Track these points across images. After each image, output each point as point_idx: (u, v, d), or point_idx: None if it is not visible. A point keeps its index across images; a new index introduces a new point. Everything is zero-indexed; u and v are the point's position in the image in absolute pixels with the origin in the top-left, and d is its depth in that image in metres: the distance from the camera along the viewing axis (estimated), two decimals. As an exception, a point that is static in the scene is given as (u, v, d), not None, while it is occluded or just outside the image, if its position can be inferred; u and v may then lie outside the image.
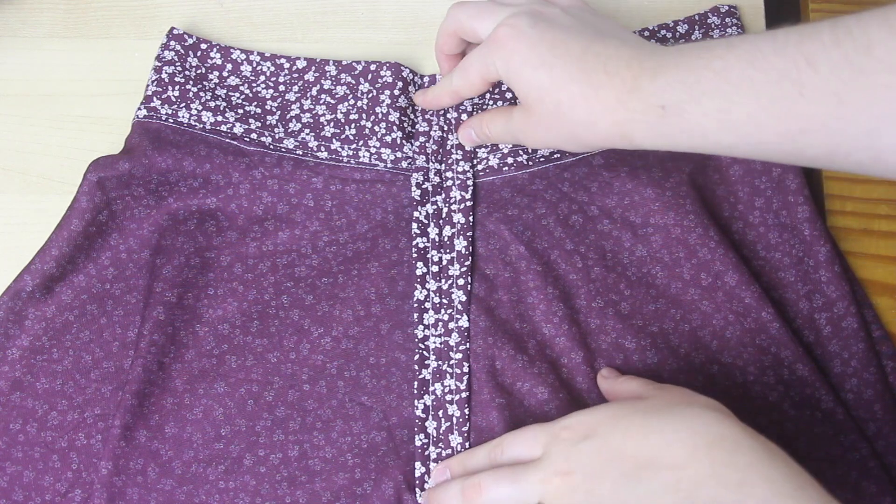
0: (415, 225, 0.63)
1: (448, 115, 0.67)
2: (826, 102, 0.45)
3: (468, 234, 0.63)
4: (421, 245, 0.63)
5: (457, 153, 0.65)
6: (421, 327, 0.61)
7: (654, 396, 0.53)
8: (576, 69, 0.53)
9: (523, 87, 0.55)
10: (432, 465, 0.59)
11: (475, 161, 0.65)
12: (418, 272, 0.62)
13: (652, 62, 0.51)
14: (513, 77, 0.56)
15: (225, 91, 0.68)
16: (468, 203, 0.64)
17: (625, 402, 0.53)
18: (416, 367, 0.61)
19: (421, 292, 0.62)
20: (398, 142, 0.65)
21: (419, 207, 0.64)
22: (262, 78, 0.68)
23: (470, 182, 0.64)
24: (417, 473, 0.59)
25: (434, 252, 0.63)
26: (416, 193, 0.64)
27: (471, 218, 0.64)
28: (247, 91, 0.68)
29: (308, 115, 0.67)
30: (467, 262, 0.62)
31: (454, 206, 0.64)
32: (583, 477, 0.49)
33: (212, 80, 0.68)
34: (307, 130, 0.67)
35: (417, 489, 0.58)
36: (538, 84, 0.54)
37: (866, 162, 0.46)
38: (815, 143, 0.47)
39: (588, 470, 0.49)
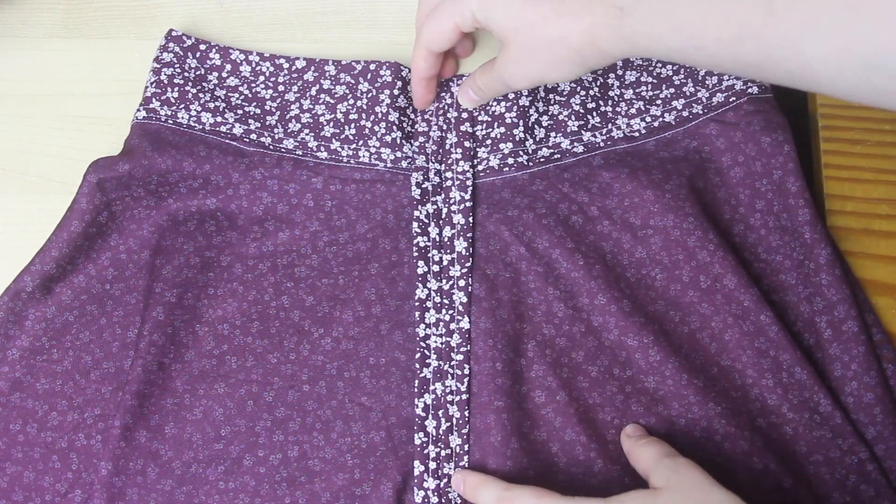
0: (415, 224, 0.63)
1: (448, 115, 0.66)
2: (757, 8, 0.47)
3: (468, 234, 0.63)
4: (422, 244, 0.63)
5: (456, 152, 0.65)
6: (423, 326, 0.61)
7: (668, 489, 0.52)
8: None
9: (500, 21, 0.58)
10: (431, 464, 0.59)
11: (475, 161, 0.65)
12: (419, 271, 0.62)
13: None
14: (489, 14, 0.58)
15: (224, 92, 0.68)
16: (468, 204, 0.64)
17: (639, 501, 0.52)
18: (417, 366, 0.61)
19: (422, 291, 0.62)
20: (398, 141, 0.65)
21: (419, 207, 0.64)
22: (262, 78, 0.68)
23: (469, 182, 0.64)
24: (416, 472, 0.59)
25: (434, 252, 0.63)
26: (416, 193, 0.64)
27: (470, 219, 0.63)
28: (246, 91, 0.68)
29: (307, 115, 0.67)
30: (468, 264, 0.62)
31: (454, 207, 0.64)
32: None
33: (211, 80, 0.68)
34: (307, 130, 0.67)
35: (415, 488, 0.58)
36: (513, 12, 0.57)
37: (796, 72, 0.48)
38: (750, 50, 0.48)
39: None
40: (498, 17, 0.58)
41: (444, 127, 0.66)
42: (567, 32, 0.55)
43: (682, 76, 0.67)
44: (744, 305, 0.60)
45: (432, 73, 0.65)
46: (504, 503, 0.54)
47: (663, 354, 0.60)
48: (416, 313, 0.62)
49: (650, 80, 0.67)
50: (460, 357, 0.60)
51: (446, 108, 0.67)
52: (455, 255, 0.63)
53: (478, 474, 0.58)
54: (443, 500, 0.58)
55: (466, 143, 0.65)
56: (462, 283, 0.62)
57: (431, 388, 0.60)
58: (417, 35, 0.64)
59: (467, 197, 0.64)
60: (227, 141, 0.66)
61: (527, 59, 0.58)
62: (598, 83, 0.67)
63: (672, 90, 0.67)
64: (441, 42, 0.62)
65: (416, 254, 0.63)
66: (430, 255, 0.63)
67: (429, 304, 0.62)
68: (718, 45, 0.50)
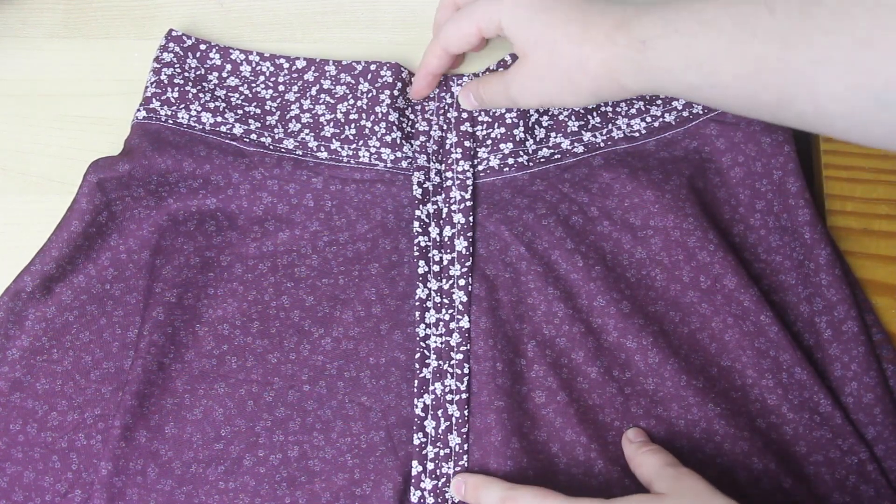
0: (416, 223, 0.63)
1: (448, 115, 0.66)
2: (773, 44, 0.47)
3: (468, 234, 0.63)
4: (423, 244, 0.63)
5: (456, 152, 0.65)
6: (423, 326, 0.61)
7: (670, 495, 0.52)
8: (573, 9, 0.56)
9: (523, 34, 0.57)
10: (429, 464, 0.59)
11: (476, 161, 0.65)
12: (420, 270, 0.62)
13: (643, 5, 0.53)
14: (515, 26, 0.58)
15: (224, 92, 0.68)
16: (468, 203, 0.64)
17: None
18: (417, 366, 0.61)
19: (423, 291, 0.62)
20: (398, 141, 0.65)
21: (420, 206, 0.64)
22: (262, 78, 0.68)
23: (469, 182, 0.64)
24: (414, 472, 0.59)
25: (435, 252, 0.63)
26: (417, 192, 0.64)
27: (471, 218, 0.63)
28: (246, 91, 0.68)
29: (308, 115, 0.67)
30: (468, 263, 0.62)
31: (454, 207, 0.64)
32: None
33: (211, 80, 0.68)
34: (307, 130, 0.67)
35: (413, 487, 0.58)
36: (538, 28, 0.56)
37: (810, 113, 0.47)
38: (765, 88, 0.48)
39: None
40: (523, 29, 0.57)
41: (444, 127, 0.66)
42: (587, 59, 0.55)
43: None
44: (744, 306, 0.60)
45: (441, 71, 0.65)
46: (507, 503, 0.54)
47: (663, 356, 0.60)
48: (417, 313, 0.62)
49: (650, 80, 0.67)
50: (460, 356, 0.60)
51: (446, 107, 0.67)
52: (455, 255, 0.63)
53: (479, 475, 0.58)
54: (439, 501, 0.58)
55: (466, 143, 0.65)
56: (462, 282, 0.62)
57: (431, 388, 0.60)
58: (436, 33, 0.64)
59: (467, 196, 0.64)
60: (227, 141, 0.66)
61: (540, 78, 0.58)
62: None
63: (672, 90, 0.67)
64: (460, 44, 0.62)
65: (416, 253, 0.63)
66: (430, 254, 0.63)
67: (429, 303, 0.62)
68: (735, 82, 0.49)
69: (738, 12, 0.49)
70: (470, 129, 0.66)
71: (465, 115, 0.66)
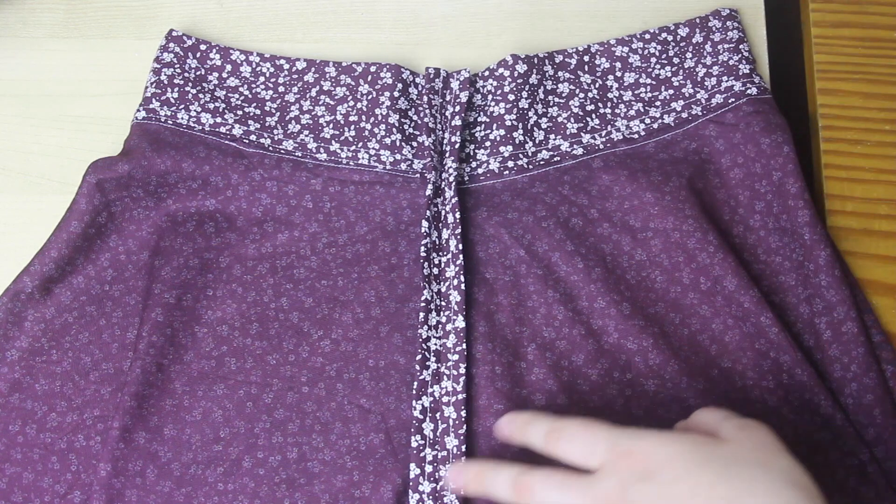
0: (424, 224, 0.63)
1: (445, 113, 0.66)
2: None
3: (457, 232, 0.63)
4: (429, 245, 0.63)
5: (450, 153, 0.65)
6: (425, 328, 0.61)
7: (733, 441, 0.46)
8: None
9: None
10: (427, 467, 0.59)
11: (473, 162, 0.65)
12: (426, 272, 0.62)
13: None
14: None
15: (224, 92, 0.68)
16: (454, 201, 0.63)
17: (698, 442, 0.46)
18: (418, 368, 0.60)
19: (429, 292, 0.62)
20: (397, 144, 0.65)
21: (430, 207, 0.63)
22: (262, 79, 0.68)
23: (453, 179, 0.63)
24: (412, 475, 0.58)
25: (434, 255, 0.63)
26: (429, 192, 0.63)
27: (458, 215, 0.63)
28: (246, 92, 0.68)
29: (307, 116, 0.67)
30: (458, 262, 0.62)
31: (447, 207, 0.64)
32: None
33: (211, 81, 0.68)
34: (306, 132, 0.67)
35: (411, 490, 0.58)
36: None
37: None
38: None
39: None
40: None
41: (442, 127, 0.66)
42: None
43: (681, 77, 0.67)
44: (744, 307, 0.60)
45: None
46: (553, 434, 0.49)
47: (663, 358, 0.60)
48: (421, 314, 0.61)
49: (649, 81, 0.67)
50: (455, 357, 0.60)
51: (444, 106, 0.66)
52: (450, 255, 0.62)
53: (479, 463, 0.53)
54: (438, 504, 0.58)
55: (453, 138, 0.65)
56: (456, 282, 0.62)
57: (430, 390, 0.60)
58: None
59: (452, 193, 0.63)
60: (226, 142, 0.66)
61: None
62: (597, 85, 0.67)
63: (671, 91, 0.67)
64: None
65: (423, 254, 0.62)
66: (431, 256, 0.63)
67: (432, 306, 0.62)
68: None
69: None
70: (458, 123, 0.65)
71: (457, 110, 0.65)
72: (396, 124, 0.65)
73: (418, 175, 0.65)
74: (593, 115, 0.66)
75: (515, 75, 0.66)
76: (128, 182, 0.64)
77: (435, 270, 0.63)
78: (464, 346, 0.60)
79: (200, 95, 0.67)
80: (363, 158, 0.65)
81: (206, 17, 0.73)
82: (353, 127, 0.66)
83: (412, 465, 0.58)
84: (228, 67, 0.69)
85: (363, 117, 0.66)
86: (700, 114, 0.65)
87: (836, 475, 0.57)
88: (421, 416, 0.60)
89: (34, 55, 0.72)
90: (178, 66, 0.67)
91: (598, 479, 0.46)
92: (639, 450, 0.46)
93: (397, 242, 0.64)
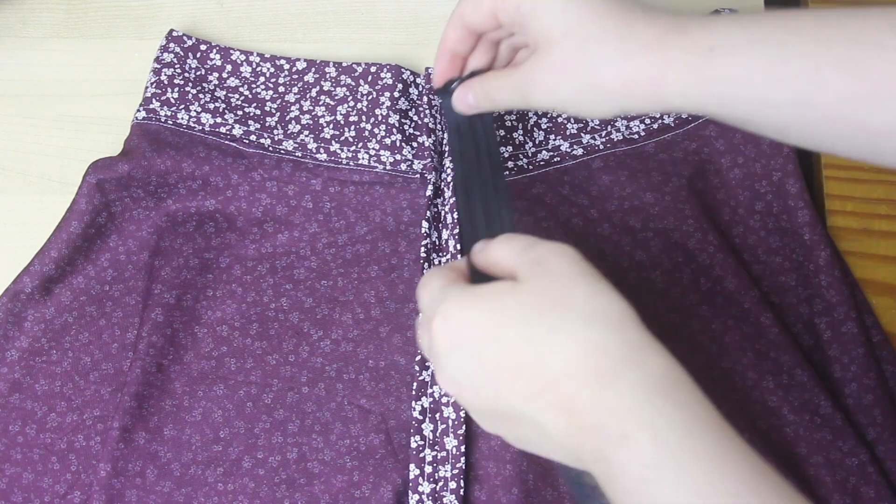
0: (425, 224, 0.63)
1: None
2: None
3: (455, 232, 0.63)
4: (429, 245, 0.63)
5: (447, 152, 0.65)
6: None
7: (530, 282, 0.42)
8: (615, 4, 0.47)
9: (547, 19, 0.48)
10: (427, 467, 0.58)
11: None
12: (426, 272, 0.62)
13: (703, 16, 0.46)
14: (540, 10, 0.48)
15: (224, 92, 0.68)
16: (452, 200, 0.63)
17: (496, 294, 0.42)
18: (417, 369, 0.60)
19: None
20: (397, 144, 0.65)
21: (430, 208, 0.63)
22: (262, 79, 0.68)
23: (451, 179, 0.64)
24: (412, 475, 0.58)
25: (434, 255, 0.63)
26: (430, 192, 0.63)
27: (456, 215, 0.63)
28: (246, 92, 0.68)
29: (307, 116, 0.67)
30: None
31: (447, 207, 0.64)
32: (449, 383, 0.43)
33: (211, 81, 0.68)
34: (306, 132, 0.67)
35: (411, 491, 0.58)
36: (568, 16, 0.47)
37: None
38: (875, 112, 0.41)
39: (452, 378, 0.42)
40: (547, 14, 0.48)
41: (442, 128, 0.66)
42: (628, 57, 0.46)
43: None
44: (744, 307, 0.60)
45: (460, 49, 0.55)
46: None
47: None
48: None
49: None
50: None
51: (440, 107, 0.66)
52: (450, 256, 0.62)
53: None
54: (437, 504, 0.58)
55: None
56: None
57: (429, 391, 0.60)
58: (456, 6, 0.55)
59: (452, 194, 0.63)
60: (226, 142, 0.65)
61: (562, 75, 0.48)
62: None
63: (672, 91, 0.67)
64: (475, 17, 0.52)
65: (423, 254, 0.62)
66: (431, 256, 0.63)
67: None
68: (837, 104, 0.42)
69: (849, 29, 0.42)
70: None
71: None
72: (396, 125, 0.65)
73: (418, 175, 0.65)
74: (593, 116, 0.66)
75: (515, 75, 0.66)
76: (128, 182, 0.64)
77: (435, 271, 0.63)
78: None
79: (200, 95, 0.67)
80: (363, 159, 0.65)
81: (206, 17, 0.73)
82: (353, 127, 0.66)
83: (412, 466, 0.58)
84: (228, 67, 0.69)
85: (363, 118, 0.66)
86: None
87: (836, 475, 0.57)
88: (420, 417, 0.59)
89: (34, 55, 0.72)
90: (178, 66, 0.67)
91: (425, 323, 0.44)
92: (444, 315, 0.42)
93: (397, 243, 0.64)
